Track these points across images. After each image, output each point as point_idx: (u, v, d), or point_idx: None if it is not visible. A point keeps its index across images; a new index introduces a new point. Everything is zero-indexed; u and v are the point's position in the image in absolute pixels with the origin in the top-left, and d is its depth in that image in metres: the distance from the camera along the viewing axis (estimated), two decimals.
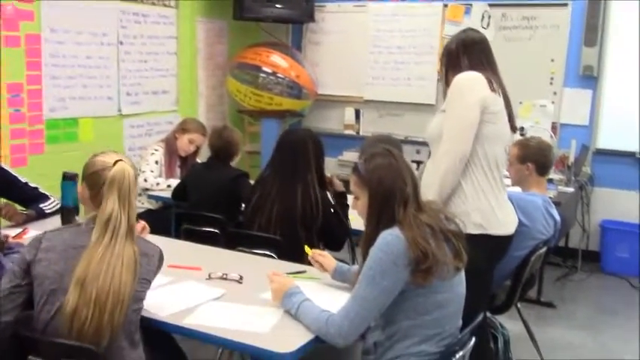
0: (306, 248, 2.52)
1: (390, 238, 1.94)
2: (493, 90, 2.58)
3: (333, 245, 3.16)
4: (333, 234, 3.13)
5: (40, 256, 1.91)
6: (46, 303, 1.88)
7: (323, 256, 2.47)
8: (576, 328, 4.09)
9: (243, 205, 3.26)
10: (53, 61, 4.43)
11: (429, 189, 2.52)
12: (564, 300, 4.56)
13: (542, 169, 3.40)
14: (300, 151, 3.06)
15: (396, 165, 2.06)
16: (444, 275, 1.96)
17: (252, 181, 3.86)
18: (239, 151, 3.73)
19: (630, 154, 5.19)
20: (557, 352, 3.71)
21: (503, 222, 2.63)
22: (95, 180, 1.95)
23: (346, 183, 5.96)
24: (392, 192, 2.01)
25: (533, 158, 3.32)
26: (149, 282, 1.98)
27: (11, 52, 4.14)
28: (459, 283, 2.05)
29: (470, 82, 2.58)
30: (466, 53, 2.67)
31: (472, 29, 2.90)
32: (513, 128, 2.68)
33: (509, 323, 3.24)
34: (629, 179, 5.22)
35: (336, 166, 5.89)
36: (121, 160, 1.95)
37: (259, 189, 3.13)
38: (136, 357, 1.93)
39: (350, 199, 2.30)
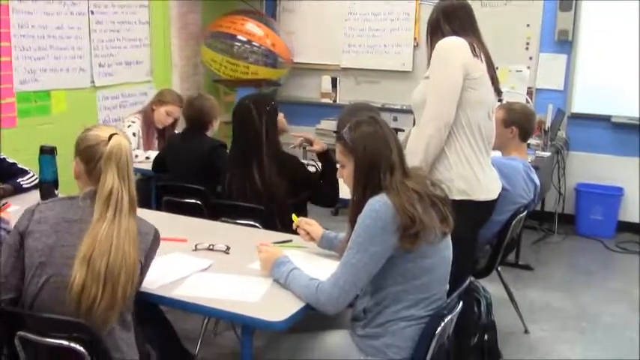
0: (293, 216, 2.51)
1: (378, 205, 1.95)
2: (475, 55, 2.58)
3: (322, 203, 3.14)
4: (317, 196, 3.10)
5: (31, 228, 1.89)
6: (34, 276, 1.86)
7: (310, 224, 2.47)
8: (554, 289, 4.18)
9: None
10: (22, 32, 4.30)
11: (414, 155, 2.52)
12: (541, 262, 4.65)
13: (525, 134, 3.43)
14: (246, 122, 2.98)
15: (382, 132, 2.06)
16: (431, 240, 1.97)
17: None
18: (214, 118, 3.62)
19: (605, 118, 5.26)
20: (537, 313, 3.79)
21: (486, 188, 2.65)
22: (91, 154, 1.89)
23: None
24: (378, 159, 2.01)
25: (518, 123, 3.35)
26: (140, 262, 1.91)
27: None
28: (446, 248, 2.07)
29: (452, 47, 2.57)
30: (447, 20, 2.66)
31: None
32: (498, 92, 2.69)
33: (490, 286, 3.29)
34: (604, 143, 5.30)
35: (314, 134, 5.86)
36: (115, 133, 1.90)
37: (230, 162, 3.10)
38: (126, 339, 1.91)
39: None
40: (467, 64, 2.55)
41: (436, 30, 2.69)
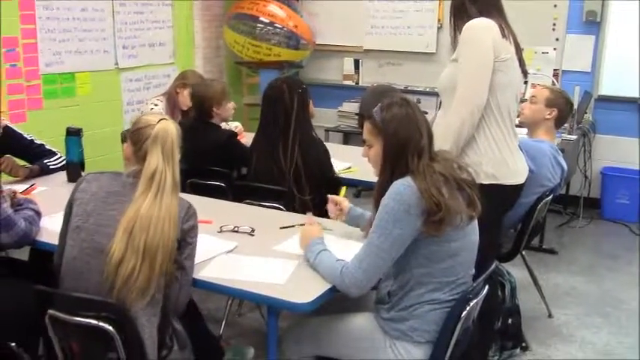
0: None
1: (403, 187, 1.93)
2: (504, 36, 2.54)
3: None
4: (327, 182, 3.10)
5: (76, 196, 2.03)
6: (69, 239, 1.96)
7: (338, 200, 2.47)
8: (578, 274, 4.14)
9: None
10: (47, 14, 4.33)
11: (443, 140, 2.48)
12: (565, 247, 4.60)
13: (561, 119, 3.39)
14: (277, 103, 2.98)
15: (414, 115, 2.03)
16: (458, 223, 1.96)
17: (247, 134, 3.84)
18: (215, 105, 3.46)
19: (632, 101, 5.16)
20: (561, 297, 3.77)
21: (514, 171, 2.62)
22: (138, 136, 1.97)
23: (346, 134, 5.92)
24: (407, 142, 1.99)
25: (559, 106, 3.30)
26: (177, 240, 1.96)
27: (4, 5, 4.04)
28: (473, 232, 2.05)
29: (481, 28, 2.52)
30: (472, 1, 2.59)
31: None
32: (524, 72, 2.65)
33: (514, 270, 3.28)
34: (630, 126, 5.20)
35: (336, 117, 5.85)
36: (164, 119, 1.99)
37: (256, 144, 3.10)
38: (150, 320, 1.92)
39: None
40: (497, 45, 2.50)
41: (460, 11, 2.64)
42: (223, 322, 3.17)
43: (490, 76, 2.49)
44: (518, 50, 2.60)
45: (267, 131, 3.04)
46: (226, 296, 3.23)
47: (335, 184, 3.06)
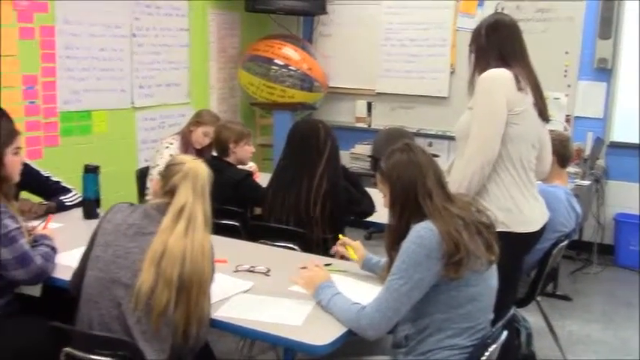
0: (340, 236, 2.55)
1: (424, 231, 1.94)
2: (520, 89, 2.52)
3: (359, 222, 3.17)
4: (356, 212, 3.12)
5: (102, 224, 2.07)
6: (88, 268, 2.00)
7: (353, 245, 2.47)
8: (593, 321, 4.08)
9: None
10: (67, 53, 4.41)
11: (457, 186, 2.48)
12: (580, 293, 4.55)
13: (563, 160, 3.39)
14: (310, 139, 3.01)
15: (415, 159, 2.06)
16: (477, 268, 1.95)
17: (261, 174, 3.86)
18: (233, 144, 3.54)
19: None
20: (577, 346, 3.71)
21: (529, 219, 2.60)
22: (168, 172, 2.04)
23: (359, 175, 5.96)
24: (411, 186, 2.02)
25: (553, 150, 3.30)
26: None
27: (26, 44, 4.12)
28: (491, 276, 2.04)
29: (496, 81, 2.51)
30: (494, 39, 2.59)
31: (502, 13, 2.84)
32: (545, 119, 2.65)
33: (528, 316, 3.24)
34: None
35: (348, 159, 5.88)
36: (197, 159, 2.08)
37: (274, 182, 3.11)
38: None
39: None
40: (510, 98, 2.50)
41: (481, 55, 2.63)
42: None
43: (502, 131, 2.48)
44: (539, 97, 2.60)
45: (291, 165, 3.04)
46: (238, 338, 3.19)
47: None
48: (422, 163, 2.05)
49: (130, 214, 2.04)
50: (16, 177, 2.41)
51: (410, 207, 2.02)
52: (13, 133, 2.39)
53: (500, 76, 2.52)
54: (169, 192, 1.99)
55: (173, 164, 2.05)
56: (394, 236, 2.04)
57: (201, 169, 2.03)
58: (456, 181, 2.50)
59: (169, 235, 1.90)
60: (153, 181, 3.80)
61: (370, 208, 3.09)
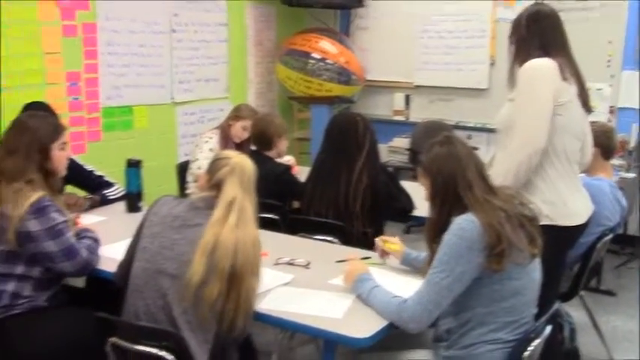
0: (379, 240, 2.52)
1: (465, 223, 1.92)
2: (564, 79, 2.48)
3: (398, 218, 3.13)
4: (396, 208, 3.09)
5: (149, 217, 2.10)
6: (136, 259, 2.04)
7: (392, 241, 2.46)
8: (638, 317, 3.98)
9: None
10: (108, 50, 4.49)
11: (502, 178, 2.44)
12: (624, 288, 4.44)
13: (607, 152, 3.32)
14: (349, 131, 3.01)
15: (455, 151, 2.04)
16: (520, 261, 1.92)
17: (299, 168, 3.87)
18: (277, 138, 3.56)
19: None
20: (622, 342, 3.63)
21: (573, 212, 2.56)
22: (214, 166, 2.07)
23: (396, 169, 5.91)
24: (451, 179, 2.00)
25: (597, 142, 3.23)
26: None
27: (69, 42, 4.21)
28: (535, 270, 2.01)
29: (540, 71, 2.47)
30: (535, 29, 2.55)
31: (542, 3, 2.78)
32: (588, 109, 2.60)
33: (571, 311, 3.17)
34: None
35: (386, 152, 5.85)
36: (242, 155, 2.11)
37: (314, 175, 3.12)
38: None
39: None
40: (555, 88, 2.45)
41: (521, 45, 2.60)
42: (274, 356, 3.14)
43: (549, 119, 2.44)
44: (582, 87, 2.55)
45: (330, 158, 3.03)
46: (277, 330, 3.21)
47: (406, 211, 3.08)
48: (462, 155, 2.03)
49: (176, 206, 2.07)
50: (62, 171, 2.47)
51: (450, 199, 2.00)
52: (59, 129, 2.45)
53: (544, 66, 2.47)
54: (215, 186, 2.02)
55: (219, 159, 2.08)
56: (435, 229, 2.03)
57: (247, 163, 2.07)
58: (501, 174, 2.46)
59: (221, 227, 1.92)
60: (199, 176, 3.84)
61: (410, 206, 3.06)
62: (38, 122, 2.40)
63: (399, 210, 3.09)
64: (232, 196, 1.97)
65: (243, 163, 2.06)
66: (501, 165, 2.53)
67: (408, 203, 3.07)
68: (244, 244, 1.92)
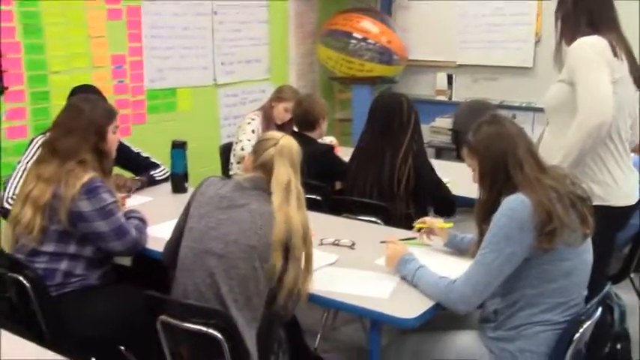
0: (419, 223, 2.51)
1: (515, 203, 1.89)
2: (616, 55, 2.41)
3: (443, 211, 3.09)
4: (438, 200, 3.06)
5: (196, 197, 2.12)
6: (184, 240, 2.06)
7: (435, 223, 2.44)
8: None
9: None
10: (152, 32, 4.52)
11: (563, 154, 2.38)
12: None
13: None
14: (394, 111, 2.99)
15: (504, 130, 2.00)
16: (571, 241, 1.89)
17: (342, 148, 3.86)
18: (321, 119, 3.54)
19: None
20: None
21: (626, 193, 2.49)
22: (260, 147, 2.08)
23: (439, 150, 5.83)
24: (502, 158, 1.96)
25: None
26: None
27: (114, 25, 4.26)
28: (586, 251, 1.97)
29: (593, 48, 2.39)
30: (583, 4, 2.47)
31: None
32: (639, 86, 2.51)
33: (621, 293, 3.09)
34: None
35: (428, 132, 5.79)
36: (287, 136, 2.11)
37: (357, 155, 3.11)
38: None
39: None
40: (608, 65, 2.38)
41: (569, 22, 2.52)
42: (319, 335, 3.17)
43: (611, 92, 2.36)
44: (633, 64, 2.47)
45: (374, 138, 3.02)
46: (322, 310, 3.24)
47: (447, 201, 3.04)
48: (511, 133, 1.99)
49: (222, 187, 2.09)
50: (114, 153, 2.53)
51: (500, 179, 1.96)
52: (113, 113, 2.51)
53: (595, 43, 2.40)
54: (261, 166, 2.03)
55: (265, 139, 2.09)
56: (485, 210, 2.00)
57: (294, 144, 2.07)
58: (564, 148, 2.38)
59: (288, 214, 1.95)
60: (242, 158, 3.86)
61: (451, 196, 3.05)
62: (95, 105, 2.46)
63: (442, 198, 3.06)
64: (286, 180, 1.98)
65: (290, 144, 2.06)
66: (549, 145, 2.47)
67: (449, 193, 3.05)
68: (306, 229, 1.97)
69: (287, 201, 1.96)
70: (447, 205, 3.05)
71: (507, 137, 1.98)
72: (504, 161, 1.95)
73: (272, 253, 1.93)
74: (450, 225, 2.44)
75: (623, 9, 2.56)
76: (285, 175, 1.99)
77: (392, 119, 2.96)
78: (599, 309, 2.02)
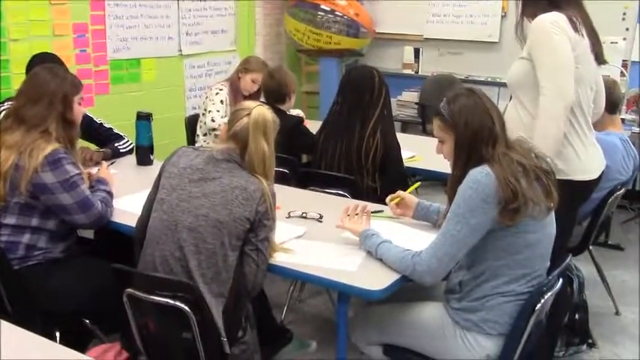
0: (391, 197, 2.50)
1: (480, 176, 1.90)
2: (576, 30, 2.43)
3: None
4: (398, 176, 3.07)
5: (166, 168, 2.10)
6: (154, 210, 2.05)
7: (403, 195, 2.45)
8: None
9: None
10: (115, 1, 4.42)
11: (541, 139, 2.37)
12: (632, 243, 4.46)
13: (611, 106, 3.25)
14: (365, 84, 2.98)
15: (482, 103, 1.99)
16: (536, 214, 1.92)
17: (308, 121, 3.84)
18: (292, 93, 3.54)
19: None
20: (629, 295, 3.66)
21: (587, 167, 2.53)
22: (234, 116, 2.07)
23: (405, 123, 5.86)
24: (480, 132, 1.94)
25: None
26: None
27: None
28: (550, 223, 2.01)
29: (554, 25, 2.39)
30: None
31: None
32: (601, 62, 2.55)
33: (580, 265, 3.19)
34: None
35: (395, 106, 5.80)
36: (261, 105, 2.09)
37: (326, 128, 3.10)
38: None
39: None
40: (570, 40, 2.40)
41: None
42: (285, 308, 3.19)
43: (573, 69, 2.38)
44: (595, 40, 2.50)
45: (344, 110, 3.01)
46: (288, 282, 3.25)
47: (403, 179, 3.05)
48: (489, 107, 1.98)
49: (195, 158, 2.07)
50: (79, 124, 2.48)
51: (475, 153, 1.94)
52: (79, 84, 2.47)
53: (556, 20, 2.41)
54: (233, 136, 2.02)
55: (240, 109, 2.07)
56: (458, 184, 1.96)
57: (267, 114, 2.05)
58: (540, 136, 2.38)
59: (265, 183, 2.01)
60: (214, 129, 3.81)
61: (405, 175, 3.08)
62: (61, 74, 2.41)
63: (402, 174, 3.07)
64: (263, 151, 2.00)
65: (264, 113, 2.05)
66: (512, 120, 2.48)
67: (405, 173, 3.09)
68: (274, 198, 2.01)
69: (264, 175, 2.00)
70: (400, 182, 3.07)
71: (485, 111, 1.97)
72: (482, 135, 1.94)
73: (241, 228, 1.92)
74: (417, 185, 2.44)
75: None
76: (261, 147, 1.99)
77: (363, 93, 2.96)
78: (560, 280, 2.06)
